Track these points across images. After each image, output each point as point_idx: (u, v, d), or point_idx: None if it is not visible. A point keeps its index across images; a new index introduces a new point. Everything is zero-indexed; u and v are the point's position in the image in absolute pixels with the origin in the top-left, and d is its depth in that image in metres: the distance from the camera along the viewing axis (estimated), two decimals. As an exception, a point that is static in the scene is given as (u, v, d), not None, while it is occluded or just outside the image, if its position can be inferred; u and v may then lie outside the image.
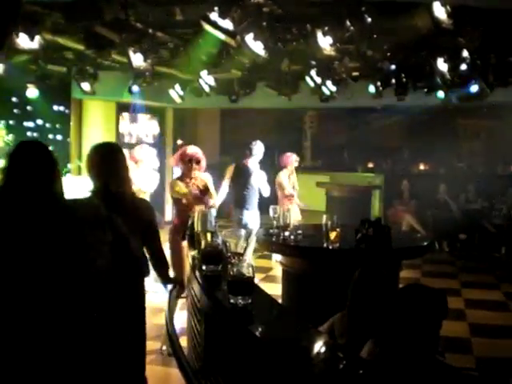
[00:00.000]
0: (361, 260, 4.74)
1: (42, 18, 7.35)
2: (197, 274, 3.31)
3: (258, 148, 8.65)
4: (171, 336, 3.31)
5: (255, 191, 8.49)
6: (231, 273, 2.63)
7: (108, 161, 3.77)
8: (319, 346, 2.34)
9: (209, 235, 3.44)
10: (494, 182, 12.99)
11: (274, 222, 5.63)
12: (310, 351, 2.28)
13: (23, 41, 7.32)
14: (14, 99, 11.64)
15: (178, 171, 8.19)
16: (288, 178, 10.10)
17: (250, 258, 8.57)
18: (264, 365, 2.32)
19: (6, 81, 10.33)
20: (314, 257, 5.25)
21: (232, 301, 2.59)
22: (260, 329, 2.51)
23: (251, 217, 8.35)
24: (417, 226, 12.16)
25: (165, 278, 4.07)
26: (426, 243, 5.69)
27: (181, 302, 5.36)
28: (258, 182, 8.45)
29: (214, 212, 3.74)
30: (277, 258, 8.08)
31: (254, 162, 8.60)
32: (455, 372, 2.64)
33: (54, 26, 7.66)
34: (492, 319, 7.40)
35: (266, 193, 8.56)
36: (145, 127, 14.96)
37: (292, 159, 10.23)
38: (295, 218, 9.53)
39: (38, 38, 7.39)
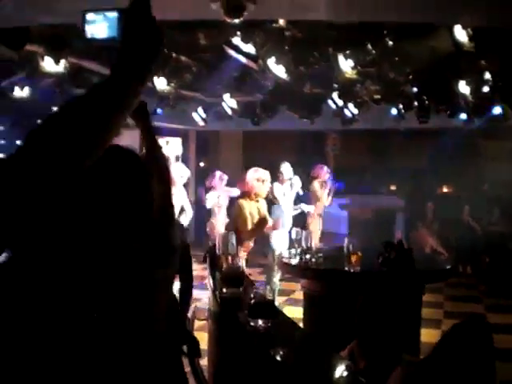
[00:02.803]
0: (383, 283, 4.72)
1: (67, 41, 7.48)
2: (217, 295, 3.32)
3: (285, 170, 8.89)
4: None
5: (277, 209, 8.65)
6: (252, 295, 2.63)
7: None
8: (341, 371, 2.33)
9: (230, 258, 3.45)
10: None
11: (296, 245, 5.64)
12: (331, 375, 2.27)
13: (48, 64, 7.44)
14: (39, 122, 11.80)
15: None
16: (321, 188, 10.21)
17: (276, 280, 8.60)
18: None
19: (31, 104, 10.48)
20: (334, 280, 5.23)
21: (252, 324, 2.60)
22: (281, 352, 2.50)
23: (276, 237, 8.42)
24: (440, 248, 12.06)
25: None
26: (449, 266, 5.64)
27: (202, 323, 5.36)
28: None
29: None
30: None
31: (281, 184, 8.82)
32: None
33: (80, 50, 7.78)
34: (517, 344, 7.29)
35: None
36: (168, 150, 15.07)
37: (324, 171, 10.36)
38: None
39: (63, 61, 7.51)
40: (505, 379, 5.86)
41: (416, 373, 2.65)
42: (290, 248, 6.11)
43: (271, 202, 8.72)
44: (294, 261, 5.53)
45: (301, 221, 9.51)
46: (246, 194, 7.15)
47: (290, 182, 8.95)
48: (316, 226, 9.95)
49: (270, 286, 8.38)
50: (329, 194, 10.19)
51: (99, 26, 1.53)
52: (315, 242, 9.51)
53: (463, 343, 2.53)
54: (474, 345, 2.53)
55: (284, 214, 8.71)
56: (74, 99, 1.48)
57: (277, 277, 8.60)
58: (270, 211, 8.60)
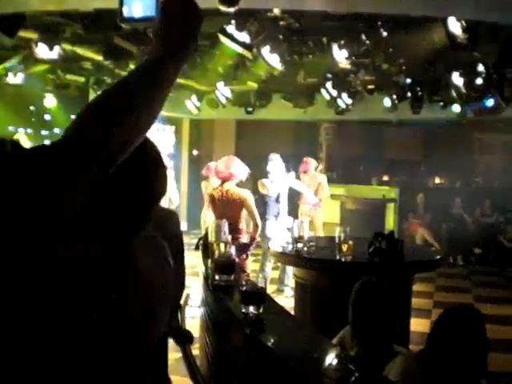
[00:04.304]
0: (373, 272, 4.76)
1: (61, 28, 7.47)
2: (209, 283, 3.34)
3: (275, 163, 8.74)
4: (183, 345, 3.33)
5: (273, 201, 8.60)
6: (244, 283, 2.66)
7: None
8: (331, 358, 2.35)
9: (222, 246, 3.47)
10: (510, 196, 12.94)
11: (289, 234, 5.68)
12: (321, 363, 2.29)
13: (42, 51, 7.43)
14: (32, 108, 11.80)
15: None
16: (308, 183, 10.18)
17: (269, 269, 8.65)
18: (275, 375, 2.34)
19: (24, 90, 10.47)
20: (326, 269, 5.27)
21: (244, 310, 2.62)
22: (271, 339, 2.53)
23: (271, 227, 8.42)
24: (431, 239, 12.11)
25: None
26: (438, 257, 5.69)
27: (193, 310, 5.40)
28: (272, 190, 8.57)
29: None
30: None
31: (271, 177, 8.70)
32: None
33: (73, 37, 7.77)
34: (506, 334, 7.35)
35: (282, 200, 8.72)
36: (161, 138, 15.06)
37: (310, 164, 10.30)
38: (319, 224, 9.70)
39: (57, 48, 7.49)
40: (493, 369, 5.93)
41: (415, 364, 2.69)
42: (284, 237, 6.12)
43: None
44: (287, 249, 5.57)
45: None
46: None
47: (283, 177, 8.82)
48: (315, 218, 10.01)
49: (263, 275, 8.44)
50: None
51: (136, 5, 1.49)
52: (317, 233, 9.58)
53: (456, 330, 2.58)
54: (467, 331, 2.57)
55: (280, 206, 8.69)
56: (113, 85, 1.45)
57: (269, 266, 8.66)
58: (265, 209, 8.61)
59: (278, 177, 8.70)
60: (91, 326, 1.48)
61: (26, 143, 10.55)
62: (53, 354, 1.46)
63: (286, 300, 7.67)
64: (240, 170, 6.64)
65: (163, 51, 1.43)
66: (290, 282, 8.61)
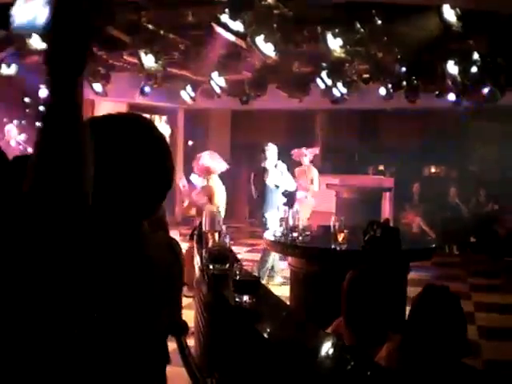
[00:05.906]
0: (368, 261, 4.75)
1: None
2: (204, 272, 3.34)
3: (271, 151, 8.75)
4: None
5: (272, 191, 8.59)
6: (237, 272, 2.65)
7: None
8: (327, 347, 2.35)
9: (216, 235, 3.47)
10: (505, 185, 12.95)
11: (283, 223, 5.66)
12: (317, 352, 2.29)
13: (35, 41, 7.38)
14: (26, 100, 11.73)
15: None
16: (301, 173, 10.16)
17: (269, 259, 8.65)
18: (269, 364, 2.34)
19: (18, 81, 10.42)
20: (321, 258, 5.26)
21: (237, 299, 2.62)
22: (266, 328, 2.53)
23: (271, 217, 8.42)
24: (427, 228, 12.14)
25: None
26: (433, 245, 5.69)
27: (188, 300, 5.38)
28: (273, 180, 8.57)
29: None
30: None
31: (268, 165, 8.70)
32: (480, 376, 2.64)
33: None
34: (501, 322, 7.37)
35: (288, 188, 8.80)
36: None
37: (303, 153, 10.31)
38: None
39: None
40: (492, 357, 5.95)
41: (399, 347, 2.70)
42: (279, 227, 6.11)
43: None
44: (281, 238, 5.57)
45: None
46: None
47: (277, 167, 8.81)
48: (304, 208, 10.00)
49: (258, 267, 8.44)
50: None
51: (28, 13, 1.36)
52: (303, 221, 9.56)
53: (432, 310, 2.60)
54: (444, 309, 2.60)
55: (279, 196, 8.70)
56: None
57: (270, 256, 8.64)
58: (266, 197, 8.61)
59: (272, 165, 8.71)
60: (106, 310, 1.50)
61: (20, 136, 10.51)
62: (68, 336, 1.46)
63: (280, 289, 7.67)
64: (214, 163, 7.09)
65: (52, 81, 1.34)
66: (279, 269, 8.66)
